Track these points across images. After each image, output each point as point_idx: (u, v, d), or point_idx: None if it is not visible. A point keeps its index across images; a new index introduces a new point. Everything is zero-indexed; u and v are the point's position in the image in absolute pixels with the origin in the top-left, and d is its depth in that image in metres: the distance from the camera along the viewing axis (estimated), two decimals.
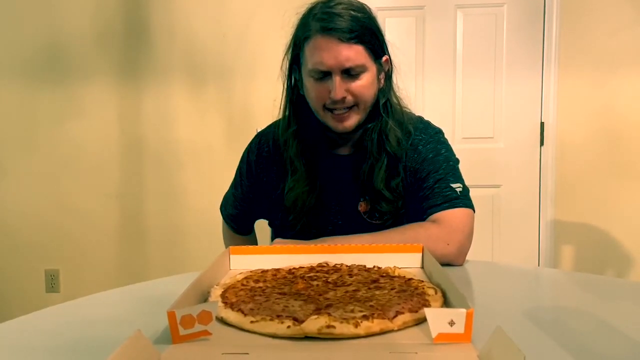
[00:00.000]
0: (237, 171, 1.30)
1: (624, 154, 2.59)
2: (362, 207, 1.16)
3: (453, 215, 1.09)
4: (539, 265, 2.67)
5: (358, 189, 1.15)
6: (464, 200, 1.12)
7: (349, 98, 1.07)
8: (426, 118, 1.28)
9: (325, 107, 1.09)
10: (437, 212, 1.10)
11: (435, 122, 1.28)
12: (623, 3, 2.54)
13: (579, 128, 2.61)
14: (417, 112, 1.29)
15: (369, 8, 1.12)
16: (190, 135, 2.78)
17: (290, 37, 1.12)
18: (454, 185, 1.13)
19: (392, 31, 2.66)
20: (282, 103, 1.18)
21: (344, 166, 1.18)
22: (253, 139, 1.29)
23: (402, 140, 1.14)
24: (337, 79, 1.05)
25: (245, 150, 1.29)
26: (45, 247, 2.88)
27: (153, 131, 2.79)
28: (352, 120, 1.10)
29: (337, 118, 1.09)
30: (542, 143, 2.66)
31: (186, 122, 2.78)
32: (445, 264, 1.01)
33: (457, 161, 1.20)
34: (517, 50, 2.63)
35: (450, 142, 1.24)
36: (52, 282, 2.88)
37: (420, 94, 2.67)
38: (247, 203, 1.30)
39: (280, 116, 1.19)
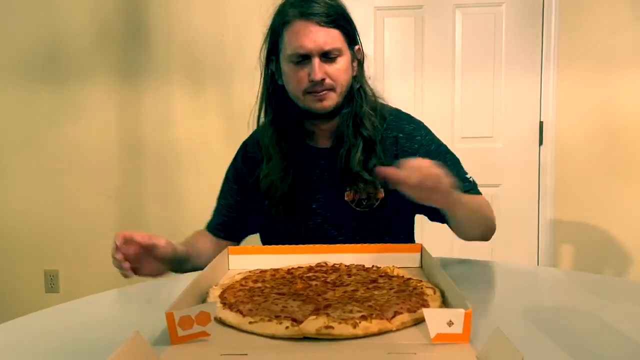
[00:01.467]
0: (223, 184, 1.31)
1: (623, 153, 2.59)
2: (348, 196, 1.18)
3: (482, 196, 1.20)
4: (537, 264, 2.67)
5: (342, 179, 1.18)
6: (477, 188, 1.20)
7: (328, 80, 1.11)
8: (426, 118, 1.29)
9: (305, 91, 1.12)
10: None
11: (434, 122, 1.29)
12: (622, 2, 2.54)
13: (578, 127, 2.61)
14: (416, 112, 1.29)
15: None
16: (189, 135, 2.78)
17: (268, 26, 1.17)
18: (467, 176, 1.19)
19: (391, 31, 2.67)
20: (259, 92, 1.21)
21: (325, 158, 1.20)
22: (240, 147, 1.31)
23: (377, 124, 1.18)
24: (316, 61, 1.09)
25: (232, 159, 1.31)
26: (44, 248, 2.87)
27: (152, 131, 2.79)
28: (331, 101, 1.13)
29: (317, 98, 1.12)
30: (541, 142, 2.66)
31: (185, 123, 2.78)
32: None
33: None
34: (516, 50, 2.63)
35: (449, 141, 1.28)
36: (51, 283, 2.88)
37: (419, 93, 2.67)
38: (236, 208, 1.27)
39: (256, 108, 1.22)
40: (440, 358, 0.59)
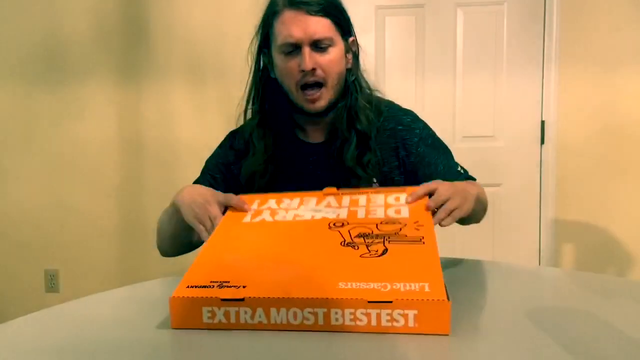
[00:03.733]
0: (202, 173, 1.25)
1: (624, 152, 2.59)
2: None
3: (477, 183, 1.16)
4: (539, 264, 2.67)
5: (334, 175, 1.15)
6: (469, 175, 1.19)
7: (319, 72, 1.09)
8: (426, 117, 1.27)
9: (298, 86, 1.10)
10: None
11: (435, 121, 1.28)
12: (623, 1, 2.54)
13: (580, 126, 2.61)
14: (417, 110, 1.29)
15: None
16: (190, 134, 2.78)
17: (259, 22, 1.15)
18: (459, 169, 1.18)
19: (392, 30, 2.66)
20: (248, 85, 1.21)
21: (316, 154, 1.18)
22: (227, 136, 1.28)
23: (372, 119, 1.15)
24: (306, 50, 1.07)
25: (218, 147, 1.29)
26: (44, 247, 2.88)
27: (153, 130, 2.79)
28: (323, 101, 1.12)
29: (310, 99, 1.11)
30: (542, 142, 2.65)
31: (186, 121, 2.77)
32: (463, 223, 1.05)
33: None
34: (517, 49, 2.63)
35: (450, 140, 1.27)
36: (51, 282, 2.88)
37: (420, 92, 2.67)
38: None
39: (244, 101, 1.21)
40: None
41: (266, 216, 0.90)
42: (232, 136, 1.27)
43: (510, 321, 0.71)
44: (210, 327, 0.66)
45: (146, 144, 2.80)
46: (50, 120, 2.82)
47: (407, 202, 0.91)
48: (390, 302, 0.62)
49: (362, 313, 0.63)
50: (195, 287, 0.68)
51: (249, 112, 1.22)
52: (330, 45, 1.09)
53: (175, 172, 2.80)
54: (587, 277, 0.99)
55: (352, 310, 0.63)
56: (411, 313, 0.62)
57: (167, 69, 2.75)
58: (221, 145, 1.28)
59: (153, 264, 2.82)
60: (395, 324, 0.63)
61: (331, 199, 0.94)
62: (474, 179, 1.19)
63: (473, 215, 1.02)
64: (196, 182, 1.22)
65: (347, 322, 0.63)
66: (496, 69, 2.65)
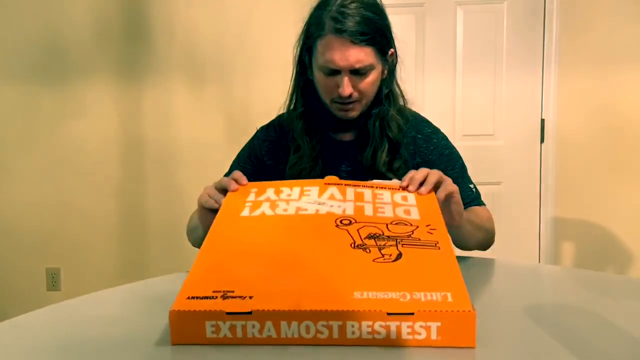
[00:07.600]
0: (233, 164, 1.30)
1: (624, 150, 2.59)
2: None
3: (485, 209, 1.23)
4: (539, 262, 2.68)
5: (360, 173, 1.19)
6: (480, 199, 1.23)
7: (355, 94, 1.12)
8: (427, 116, 1.30)
9: (332, 100, 1.15)
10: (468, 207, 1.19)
11: (436, 120, 1.31)
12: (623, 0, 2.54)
13: (580, 125, 2.61)
14: (417, 110, 1.31)
15: (381, 3, 1.15)
16: (190, 133, 2.78)
17: (304, 26, 1.16)
18: (470, 186, 1.22)
19: (392, 28, 2.66)
20: (291, 86, 1.23)
21: (346, 152, 1.22)
22: (258, 130, 1.30)
23: (402, 127, 1.19)
24: (345, 78, 1.09)
25: (249, 141, 1.31)
26: (46, 246, 2.88)
27: (153, 129, 2.79)
28: (356, 112, 1.16)
29: (343, 109, 1.15)
30: (542, 140, 2.65)
31: (186, 120, 2.78)
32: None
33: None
34: (517, 47, 2.63)
35: (450, 139, 1.29)
36: (53, 281, 2.88)
37: (420, 91, 2.67)
38: None
39: (287, 98, 1.24)
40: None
41: (266, 209, 0.85)
42: (264, 129, 1.30)
43: (510, 318, 0.71)
44: (214, 343, 0.62)
45: (147, 143, 2.80)
46: (51, 119, 2.82)
47: (401, 187, 0.92)
48: (412, 314, 0.59)
49: (380, 326, 0.59)
50: (197, 298, 0.63)
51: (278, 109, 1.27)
52: (369, 70, 1.11)
53: (175, 170, 2.80)
54: (586, 275, 0.99)
55: (370, 323, 0.59)
56: (434, 325, 0.59)
57: (168, 68, 2.75)
58: (252, 139, 1.30)
59: (154, 262, 2.83)
60: (416, 336, 0.59)
61: (334, 190, 0.89)
62: (483, 204, 1.24)
63: (462, 237, 1.08)
64: (227, 174, 1.26)
65: (365, 336, 0.59)
66: (496, 67, 2.65)
